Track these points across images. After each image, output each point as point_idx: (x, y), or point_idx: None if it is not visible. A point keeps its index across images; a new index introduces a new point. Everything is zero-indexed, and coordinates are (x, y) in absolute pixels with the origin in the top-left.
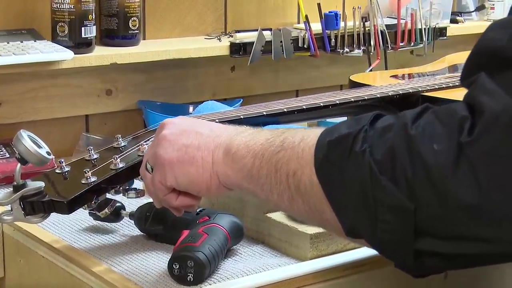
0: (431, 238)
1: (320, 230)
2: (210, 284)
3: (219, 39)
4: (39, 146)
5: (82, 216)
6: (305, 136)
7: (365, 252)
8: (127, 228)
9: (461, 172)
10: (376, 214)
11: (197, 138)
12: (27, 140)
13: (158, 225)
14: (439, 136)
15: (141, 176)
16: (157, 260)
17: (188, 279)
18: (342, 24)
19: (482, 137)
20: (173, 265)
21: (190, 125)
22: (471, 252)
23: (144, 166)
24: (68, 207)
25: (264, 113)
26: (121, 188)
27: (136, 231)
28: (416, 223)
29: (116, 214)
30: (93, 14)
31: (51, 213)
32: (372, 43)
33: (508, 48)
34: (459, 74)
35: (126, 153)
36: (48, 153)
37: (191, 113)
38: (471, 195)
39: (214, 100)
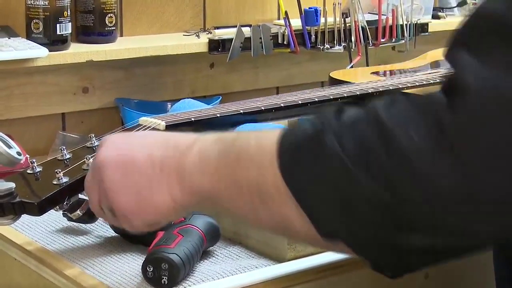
0: (411, 231)
1: None
2: (185, 287)
3: (198, 36)
4: (9, 146)
5: (56, 217)
6: (261, 139)
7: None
8: (102, 229)
9: (441, 153)
10: (351, 209)
11: (142, 177)
12: None
13: None
14: (415, 120)
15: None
16: (131, 262)
17: (163, 282)
18: (322, 20)
19: (463, 115)
20: (147, 268)
21: (125, 160)
22: (452, 244)
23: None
24: (39, 209)
25: (241, 111)
26: None
27: (111, 232)
28: (395, 214)
29: (90, 215)
30: (69, 11)
31: (23, 215)
32: (353, 39)
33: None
34: (441, 70)
35: None
36: (19, 153)
37: (169, 111)
38: (451, 175)
39: (193, 97)
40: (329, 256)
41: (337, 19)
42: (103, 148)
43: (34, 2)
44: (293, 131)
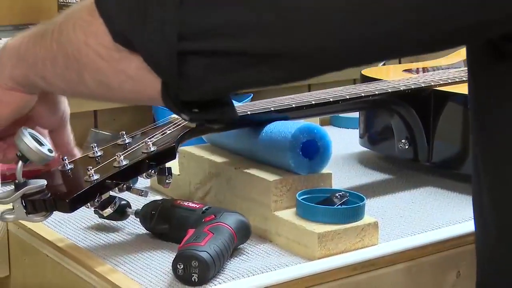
0: (193, 39)
1: (329, 229)
2: (215, 285)
3: None
4: (41, 144)
5: (87, 214)
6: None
7: (375, 251)
8: (133, 226)
9: None
10: (146, 10)
11: None
12: (28, 137)
13: (163, 224)
14: None
15: None
16: (161, 260)
17: (193, 280)
18: None
19: None
20: (177, 265)
21: None
22: (227, 45)
23: None
24: (70, 206)
25: (272, 108)
26: (124, 186)
27: (142, 230)
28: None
29: (121, 212)
30: None
31: (54, 212)
32: None
33: None
34: None
35: (130, 150)
36: (50, 151)
37: None
38: None
39: None
40: (361, 254)
41: None
42: None
43: (66, 0)
44: None
